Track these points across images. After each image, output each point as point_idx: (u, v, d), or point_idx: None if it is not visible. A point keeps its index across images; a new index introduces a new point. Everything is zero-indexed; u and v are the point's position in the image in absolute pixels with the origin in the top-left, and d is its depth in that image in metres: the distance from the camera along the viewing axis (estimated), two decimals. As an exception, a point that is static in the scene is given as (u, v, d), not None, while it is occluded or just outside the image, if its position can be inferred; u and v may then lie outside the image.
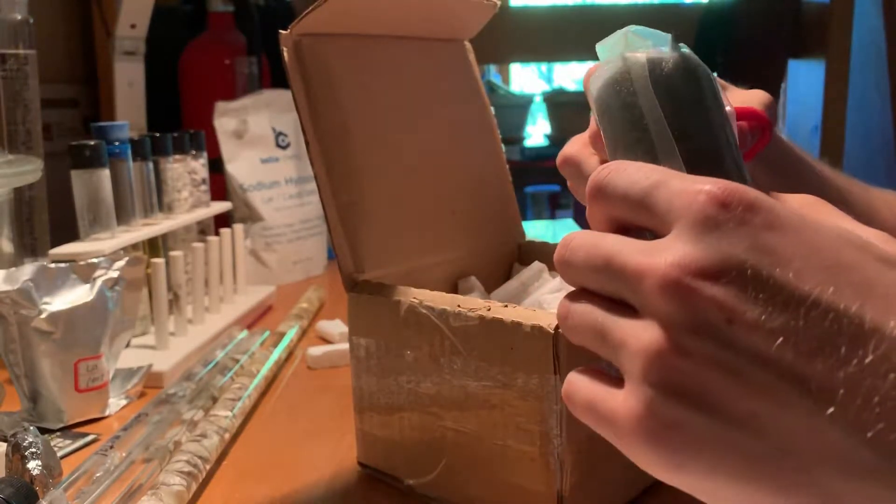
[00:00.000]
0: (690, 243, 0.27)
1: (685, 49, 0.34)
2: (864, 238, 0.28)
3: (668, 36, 0.35)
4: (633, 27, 0.36)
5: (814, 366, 0.25)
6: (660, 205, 0.29)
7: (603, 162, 0.42)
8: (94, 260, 0.64)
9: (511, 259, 0.61)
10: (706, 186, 0.28)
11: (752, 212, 0.27)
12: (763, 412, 0.26)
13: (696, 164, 0.32)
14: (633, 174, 0.31)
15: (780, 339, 0.26)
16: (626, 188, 0.31)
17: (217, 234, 0.90)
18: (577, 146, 0.45)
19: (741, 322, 0.26)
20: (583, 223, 1.18)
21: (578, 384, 0.31)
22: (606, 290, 0.30)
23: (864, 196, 0.60)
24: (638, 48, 0.35)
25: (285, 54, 0.50)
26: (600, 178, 0.32)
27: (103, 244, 0.71)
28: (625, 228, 0.31)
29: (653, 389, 0.27)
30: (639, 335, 0.28)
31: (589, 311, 0.31)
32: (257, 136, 1.07)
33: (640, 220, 0.30)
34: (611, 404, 0.29)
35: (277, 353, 0.71)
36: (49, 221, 0.83)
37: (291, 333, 0.77)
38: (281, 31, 0.50)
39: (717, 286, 0.26)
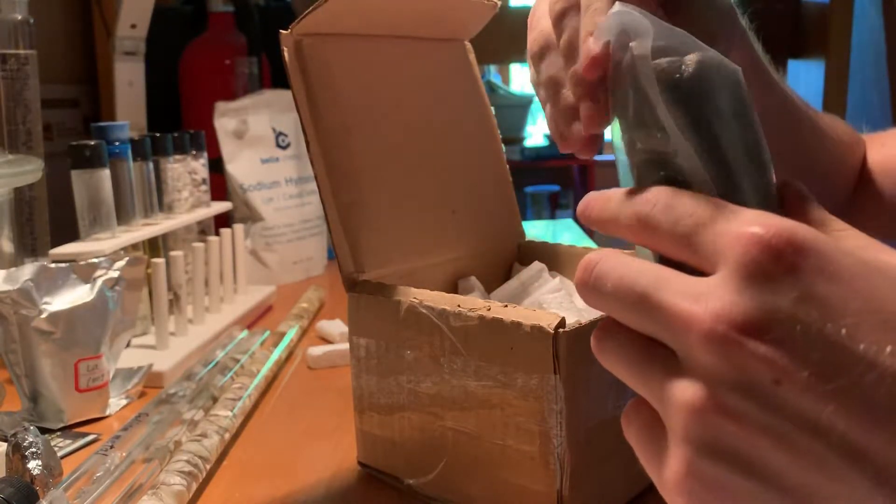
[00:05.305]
0: (737, 293, 0.25)
1: (698, 54, 0.30)
2: None
3: (681, 32, 0.31)
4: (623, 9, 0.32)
5: (871, 439, 0.23)
6: (705, 245, 0.27)
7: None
8: (95, 260, 0.64)
9: (511, 259, 0.61)
10: (753, 228, 0.26)
11: (801, 255, 0.25)
12: (813, 484, 0.24)
13: (719, 176, 0.30)
14: (678, 209, 0.28)
15: (832, 405, 0.24)
16: (672, 225, 0.28)
17: (217, 234, 0.90)
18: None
19: (790, 383, 0.24)
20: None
21: (632, 418, 0.30)
22: (640, 328, 0.29)
23: (810, 113, 0.57)
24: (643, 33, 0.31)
25: (285, 54, 0.50)
26: (644, 213, 0.29)
27: (103, 244, 0.71)
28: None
29: (693, 448, 0.26)
30: (679, 389, 0.26)
31: (623, 352, 0.29)
32: (257, 136, 1.07)
33: (685, 258, 0.28)
34: (655, 461, 0.28)
35: (277, 353, 0.71)
36: (49, 221, 0.83)
37: (291, 333, 0.77)
38: (281, 31, 0.50)
39: (765, 342, 0.24)
